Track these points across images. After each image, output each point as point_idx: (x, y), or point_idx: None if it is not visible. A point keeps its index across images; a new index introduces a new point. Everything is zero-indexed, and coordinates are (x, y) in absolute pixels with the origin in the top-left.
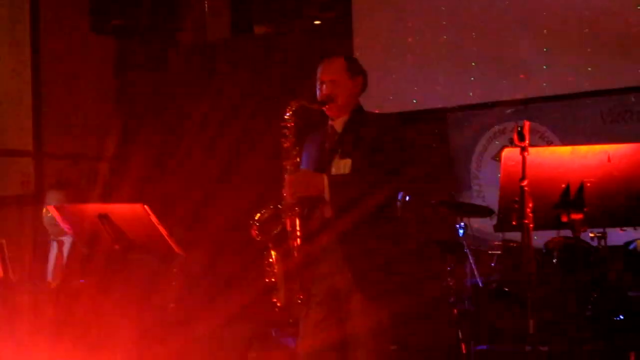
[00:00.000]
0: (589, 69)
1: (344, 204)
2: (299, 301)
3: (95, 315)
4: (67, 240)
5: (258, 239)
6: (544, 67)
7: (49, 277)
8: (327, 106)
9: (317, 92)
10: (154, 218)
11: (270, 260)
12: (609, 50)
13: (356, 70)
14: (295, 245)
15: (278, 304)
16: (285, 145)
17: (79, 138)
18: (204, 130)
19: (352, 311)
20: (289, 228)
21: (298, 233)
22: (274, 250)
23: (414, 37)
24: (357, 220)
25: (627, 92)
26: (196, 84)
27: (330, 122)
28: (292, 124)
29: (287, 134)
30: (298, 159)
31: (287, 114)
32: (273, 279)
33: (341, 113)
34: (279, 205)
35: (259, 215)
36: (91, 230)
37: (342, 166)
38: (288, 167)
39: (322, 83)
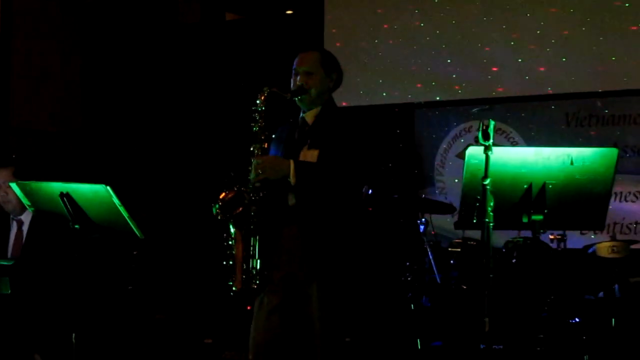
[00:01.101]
0: (557, 72)
1: (308, 191)
2: (255, 287)
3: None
4: (27, 219)
5: (219, 218)
6: (512, 68)
7: (9, 255)
8: (299, 97)
9: (292, 83)
10: (116, 199)
11: (230, 242)
12: (578, 54)
13: (332, 66)
14: (256, 229)
15: (234, 288)
16: (254, 129)
17: (45, 114)
18: (170, 111)
19: (308, 300)
20: (251, 212)
21: (260, 218)
22: (234, 229)
23: (385, 31)
24: (319, 211)
25: (594, 96)
26: (165, 65)
27: (301, 114)
28: (263, 109)
29: (257, 118)
30: (265, 145)
31: (259, 99)
32: (231, 262)
33: (313, 106)
34: (243, 188)
35: (222, 194)
36: (53, 208)
37: (309, 156)
38: (255, 150)
39: (296, 74)
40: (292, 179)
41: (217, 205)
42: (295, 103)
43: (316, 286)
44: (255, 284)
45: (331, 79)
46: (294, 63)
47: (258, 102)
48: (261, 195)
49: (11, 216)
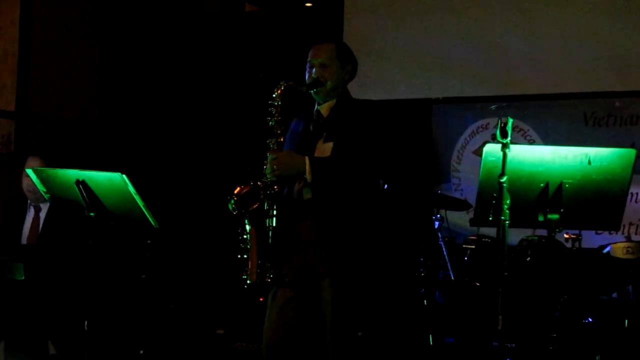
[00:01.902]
0: (577, 70)
1: (324, 186)
2: (269, 280)
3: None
4: (45, 206)
5: (235, 213)
6: (532, 65)
7: (23, 240)
8: (314, 90)
9: (306, 76)
10: (131, 188)
11: (245, 236)
12: (599, 53)
13: (347, 58)
14: (271, 224)
15: (248, 281)
16: (270, 123)
17: (63, 101)
18: (188, 101)
19: (321, 294)
20: (266, 206)
21: (275, 212)
22: (249, 225)
23: (405, 26)
24: (335, 205)
25: (612, 96)
26: (183, 55)
27: (316, 107)
28: (279, 103)
29: (273, 112)
30: (282, 139)
31: (275, 93)
32: (245, 256)
33: (328, 98)
34: (258, 183)
35: (238, 189)
36: (68, 195)
37: (325, 149)
38: (271, 145)
39: (311, 67)
40: (308, 176)
41: (232, 201)
42: (311, 96)
43: (330, 280)
44: (270, 277)
45: (346, 71)
46: (309, 55)
47: (274, 95)
48: (276, 189)
49: (29, 202)
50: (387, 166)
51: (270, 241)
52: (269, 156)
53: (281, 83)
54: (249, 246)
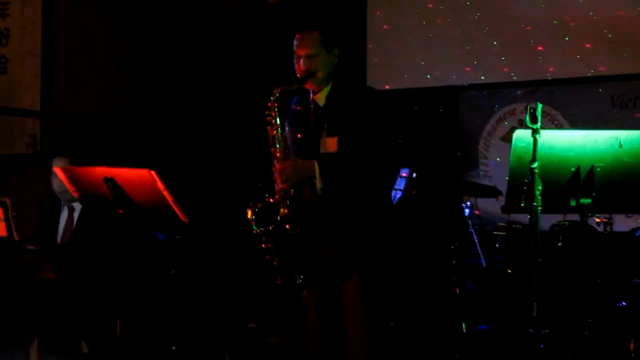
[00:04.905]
0: (603, 52)
1: (335, 186)
2: (299, 282)
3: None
4: (78, 206)
5: (256, 232)
6: (558, 49)
7: (59, 240)
8: (308, 82)
9: (295, 68)
10: (160, 184)
11: (269, 246)
12: (623, 35)
13: (333, 42)
14: (292, 229)
15: (278, 283)
16: (271, 133)
17: (88, 100)
18: (210, 97)
19: (347, 287)
20: (283, 214)
21: (293, 218)
22: (270, 243)
23: (429, 13)
24: (349, 201)
25: (639, 78)
26: (206, 50)
27: (312, 97)
28: (277, 110)
29: (272, 121)
30: (285, 145)
31: (271, 100)
32: (272, 256)
33: (322, 87)
34: (271, 199)
35: (250, 212)
36: (97, 193)
37: (329, 145)
38: (277, 154)
39: (298, 58)
40: (318, 183)
41: (253, 225)
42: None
43: (354, 275)
44: (300, 279)
45: (334, 55)
46: (294, 46)
47: (270, 104)
48: (290, 197)
49: (62, 202)
50: (415, 155)
51: (293, 247)
52: (277, 166)
53: (274, 91)
54: (274, 256)
